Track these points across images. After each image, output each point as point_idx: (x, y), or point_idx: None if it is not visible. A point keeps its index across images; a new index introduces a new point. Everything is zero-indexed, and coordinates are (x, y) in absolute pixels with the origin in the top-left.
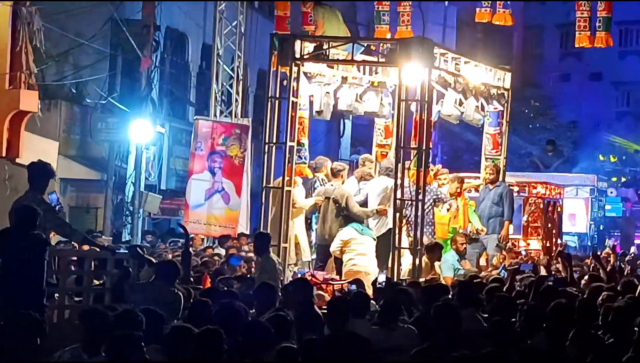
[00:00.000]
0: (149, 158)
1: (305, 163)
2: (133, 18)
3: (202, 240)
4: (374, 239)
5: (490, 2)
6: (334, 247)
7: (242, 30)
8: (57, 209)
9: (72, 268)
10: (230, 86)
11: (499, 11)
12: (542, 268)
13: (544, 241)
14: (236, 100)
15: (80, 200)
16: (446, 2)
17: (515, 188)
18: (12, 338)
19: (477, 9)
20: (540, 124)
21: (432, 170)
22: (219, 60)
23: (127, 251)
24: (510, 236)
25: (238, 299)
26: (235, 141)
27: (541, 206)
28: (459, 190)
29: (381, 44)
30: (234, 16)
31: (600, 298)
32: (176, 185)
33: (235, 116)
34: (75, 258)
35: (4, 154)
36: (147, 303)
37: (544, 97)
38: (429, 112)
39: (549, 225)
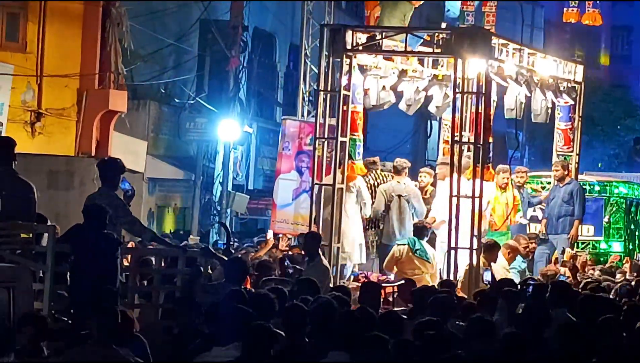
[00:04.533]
0: (237, 158)
1: (360, 160)
2: (221, 19)
3: (289, 239)
4: (428, 261)
5: (577, 2)
6: (386, 262)
7: None
8: (129, 195)
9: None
10: (318, 86)
11: (588, 11)
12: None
13: (627, 243)
14: (324, 100)
15: (168, 199)
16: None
17: (597, 188)
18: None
19: (565, 9)
20: (629, 125)
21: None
22: (306, 60)
23: (198, 250)
24: (590, 238)
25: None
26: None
27: (624, 206)
28: (505, 180)
29: (436, 34)
30: (321, 16)
31: None
32: (263, 185)
33: (322, 116)
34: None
35: (93, 154)
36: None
37: (632, 98)
38: (487, 105)
39: (632, 227)
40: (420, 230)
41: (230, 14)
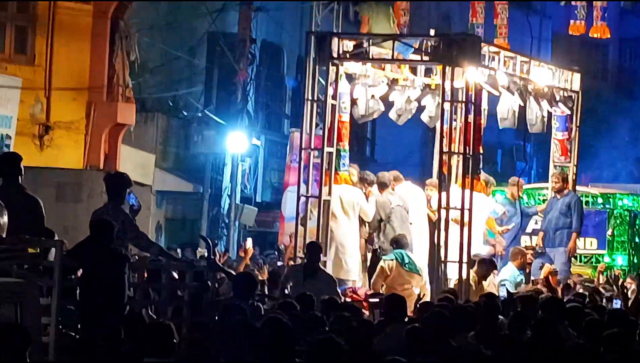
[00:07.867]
0: (245, 171)
1: (347, 171)
2: (229, 31)
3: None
4: (418, 273)
5: (585, 13)
6: (375, 278)
7: None
8: (135, 209)
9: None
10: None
11: (595, 24)
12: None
13: (631, 257)
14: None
15: (176, 212)
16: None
17: (600, 200)
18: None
19: (572, 21)
20: (637, 136)
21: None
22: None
23: (205, 264)
24: (594, 251)
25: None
26: None
27: (628, 218)
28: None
29: (425, 42)
30: (329, 28)
31: None
32: (272, 197)
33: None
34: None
35: (101, 167)
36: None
37: None
38: (478, 114)
39: (637, 239)
40: (401, 242)
41: (238, 27)
